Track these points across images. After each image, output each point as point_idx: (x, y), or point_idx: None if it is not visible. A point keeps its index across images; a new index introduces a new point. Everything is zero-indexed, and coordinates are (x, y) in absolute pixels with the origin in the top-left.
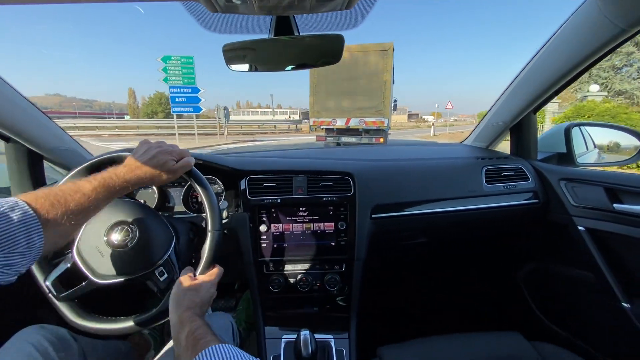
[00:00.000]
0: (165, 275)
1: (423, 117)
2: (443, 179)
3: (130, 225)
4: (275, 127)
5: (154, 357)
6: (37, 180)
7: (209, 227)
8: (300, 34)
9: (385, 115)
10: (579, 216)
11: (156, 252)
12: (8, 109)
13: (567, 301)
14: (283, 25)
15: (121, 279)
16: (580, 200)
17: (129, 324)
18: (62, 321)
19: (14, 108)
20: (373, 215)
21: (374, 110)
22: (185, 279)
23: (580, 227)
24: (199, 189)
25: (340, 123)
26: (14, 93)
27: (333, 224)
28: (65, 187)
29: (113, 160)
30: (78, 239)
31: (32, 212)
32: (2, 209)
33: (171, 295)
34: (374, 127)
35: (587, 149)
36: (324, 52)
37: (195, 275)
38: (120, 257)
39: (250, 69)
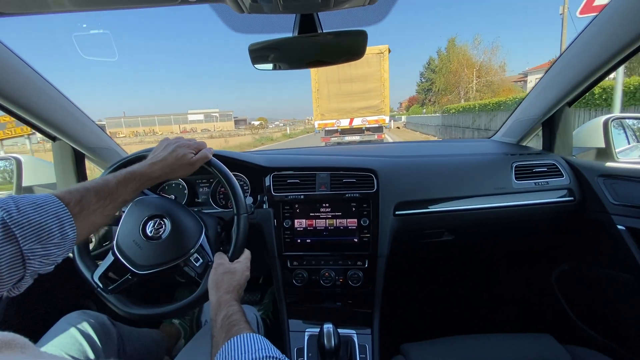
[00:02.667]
0: (200, 260)
1: (252, 122)
2: (469, 175)
3: (163, 219)
4: None
5: (184, 345)
6: (80, 176)
7: (235, 211)
8: (324, 31)
9: (386, 113)
10: (619, 215)
11: (188, 240)
12: (55, 109)
13: (603, 303)
14: (307, 23)
15: (160, 268)
16: (621, 198)
17: (172, 307)
18: (102, 308)
19: (59, 109)
20: (396, 212)
21: (375, 109)
22: (221, 264)
23: (620, 227)
24: (220, 176)
25: (344, 123)
26: (59, 95)
27: (356, 220)
28: (94, 182)
29: (139, 159)
30: (116, 236)
31: (64, 205)
32: (37, 202)
33: (209, 279)
34: (376, 125)
35: (629, 143)
36: (347, 49)
37: (228, 260)
38: (157, 248)
39: (275, 68)
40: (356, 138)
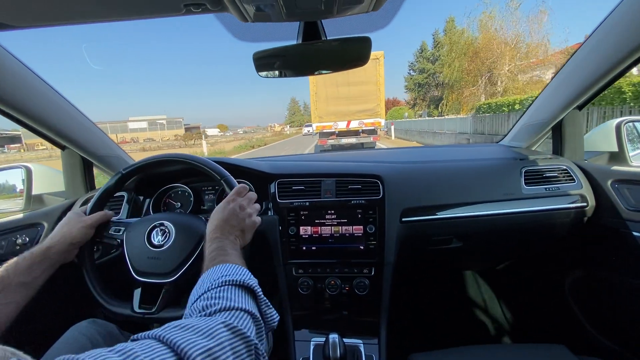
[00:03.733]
0: None
1: (205, 129)
2: (477, 181)
3: (164, 225)
4: None
5: None
6: (89, 184)
7: (218, 179)
8: (328, 37)
9: (382, 116)
10: (634, 221)
11: (197, 228)
12: (64, 119)
13: (619, 312)
14: (311, 30)
15: (189, 262)
16: (637, 204)
17: None
18: (110, 318)
19: (68, 119)
20: (403, 219)
21: (371, 112)
22: (213, 213)
23: (635, 233)
24: (188, 160)
25: (341, 126)
26: (68, 104)
27: (362, 227)
28: None
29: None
30: (130, 266)
31: None
32: None
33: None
34: (372, 127)
35: None
36: (352, 55)
37: None
38: (173, 249)
39: (280, 75)
40: (352, 140)
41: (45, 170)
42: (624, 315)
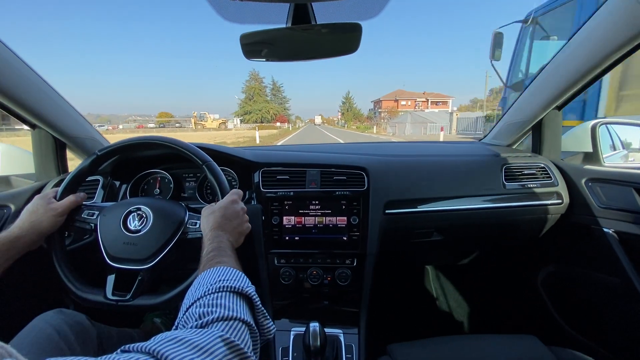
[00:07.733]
0: (198, 222)
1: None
2: (459, 176)
3: (141, 210)
4: None
5: None
6: (61, 166)
7: (200, 163)
8: (318, 22)
9: None
10: (605, 218)
11: (176, 214)
12: (35, 96)
13: (589, 305)
14: (301, 14)
15: (166, 249)
16: (608, 202)
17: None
18: (79, 307)
19: (41, 95)
20: (386, 211)
21: None
22: (205, 210)
23: (606, 230)
24: (168, 143)
25: None
26: (40, 80)
27: (345, 218)
28: None
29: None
30: (104, 252)
31: None
32: None
33: (200, 220)
34: None
35: (615, 149)
36: (341, 43)
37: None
38: (150, 235)
39: (268, 60)
40: None
41: (13, 151)
42: (593, 308)
